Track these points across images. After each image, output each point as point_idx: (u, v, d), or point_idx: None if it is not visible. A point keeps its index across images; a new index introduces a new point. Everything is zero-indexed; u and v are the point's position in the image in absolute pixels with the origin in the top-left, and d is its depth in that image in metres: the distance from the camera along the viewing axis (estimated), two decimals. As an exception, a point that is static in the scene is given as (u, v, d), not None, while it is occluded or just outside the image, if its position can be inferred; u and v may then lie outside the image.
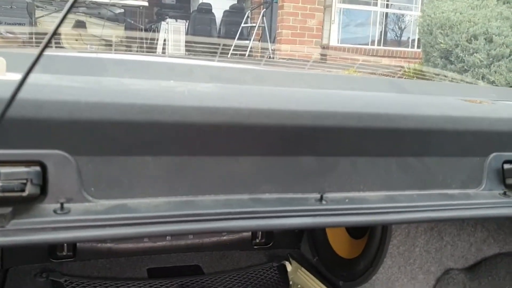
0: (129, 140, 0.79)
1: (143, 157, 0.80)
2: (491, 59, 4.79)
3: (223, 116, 0.85)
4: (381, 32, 9.98)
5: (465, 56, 4.88)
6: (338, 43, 9.19)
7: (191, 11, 9.44)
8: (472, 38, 4.94)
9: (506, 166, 1.04)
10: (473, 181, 1.02)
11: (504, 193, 1.02)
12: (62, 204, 0.73)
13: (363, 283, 1.77)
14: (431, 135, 1.01)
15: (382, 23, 10.03)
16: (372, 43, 9.73)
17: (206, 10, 8.80)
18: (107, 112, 0.77)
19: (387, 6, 9.98)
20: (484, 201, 1.00)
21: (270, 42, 8.36)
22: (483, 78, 4.79)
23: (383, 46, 9.79)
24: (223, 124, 0.84)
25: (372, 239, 1.76)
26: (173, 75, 1.10)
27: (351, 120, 0.94)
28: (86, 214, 0.74)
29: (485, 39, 4.87)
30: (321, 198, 0.87)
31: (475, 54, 4.84)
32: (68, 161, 0.75)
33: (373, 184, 0.94)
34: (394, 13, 10.27)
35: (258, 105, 0.90)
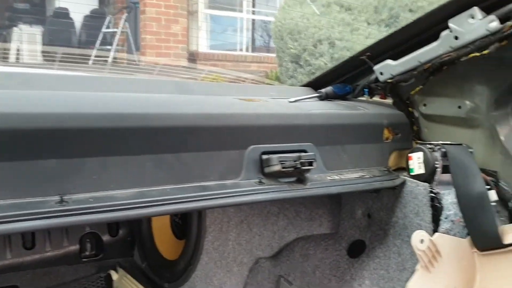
0: None
1: None
2: (334, 62, 5.19)
3: None
4: (249, 38, 10.26)
5: (311, 59, 5.22)
6: (207, 49, 9.29)
7: (47, 16, 8.90)
8: (318, 43, 5.29)
9: (264, 156, 1.13)
10: (232, 172, 1.09)
11: (260, 181, 1.10)
12: None
13: (185, 282, 1.80)
14: (189, 132, 1.05)
15: (250, 29, 10.33)
16: (241, 49, 9.97)
17: (63, 15, 8.35)
18: None
19: (253, 12, 10.30)
20: (240, 189, 1.07)
21: (135, 48, 8.19)
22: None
23: (251, 52, 10.08)
24: None
25: (189, 238, 1.80)
26: None
27: (99, 121, 0.96)
28: None
29: (329, 43, 5.25)
30: (62, 200, 0.87)
31: (320, 57, 5.19)
32: None
33: (124, 182, 0.96)
34: (261, 20, 10.61)
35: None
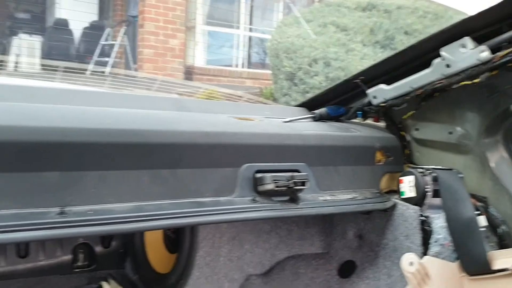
0: None
1: None
2: (329, 81, 5.24)
3: None
4: (245, 54, 10.33)
5: (306, 78, 5.27)
6: (203, 64, 9.34)
7: (47, 27, 8.95)
8: (313, 62, 5.35)
9: (258, 175, 1.15)
10: (226, 189, 1.11)
11: (253, 199, 1.12)
12: None
13: (176, 296, 1.80)
14: (185, 148, 1.08)
15: (246, 46, 10.40)
16: (237, 65, 10.03)
17: (63, 26, 8.40)
18: None
19: (250, 29, 10.39)
20: (234, 206, 1.09)
21: (132, 61, 8.24)
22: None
23: (247, 68, 10.14)
24: None
25: (181, 252, 1.81)
26: None
27: (99, 136, 0.98)
28: None
29: (324, 63, 5.31)
30: (62, 212, 0.89)
31: (315, 76, 5.24)
32: None
33: (122, 195, 0.98)
34: (257, 37, 10.71)
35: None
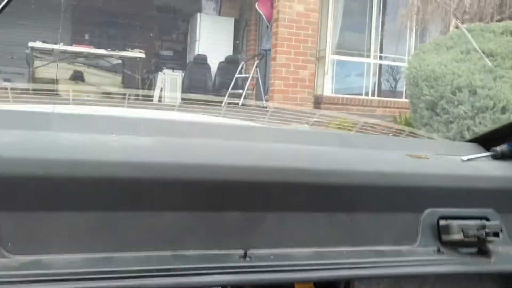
0: (48, 195, 0.79)
1: (63, 212, 0.80)
2: (475, 110, 4.85)
3: (146, 171, 0.86)
4: (375, 83, 10.13)
5: (450, 107, 4.95)
6: (332, 93, 9.33)
7: (187, 62, 9.68)
8: (457, 90, 5.01)
9: (442, 222, 1.04)
10: (407, 237, 1.02)
11: (438, 250, 1.02)
12: None
13: None
14: (363, 190, 1.02)
15: (376, 74, 10.20)
16: (366, 94, 9.86)
17: (202, 61, 9.01)
18: (25, 167, 0.78)
19: (380, 58, 10.19)
20: (418, 258, 0.99)
21: (264, 92, 8.51)
22: (468, 129, 4.83)
23: (377, 96, 9.92)
24: (146, 179, 0.85)
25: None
26: (119, 129, 1.12)
27: (277, 175, 0.96)
28: (1, 270, 0.74)
29: (469, 91, 4.94)
30: (245, 255, 0.88)
31: (459, 106, 4.90)
32: None
33: (301, 240, 0.94)
34: (388, 65, 10.47)
35: (182, 159, 0.91)
